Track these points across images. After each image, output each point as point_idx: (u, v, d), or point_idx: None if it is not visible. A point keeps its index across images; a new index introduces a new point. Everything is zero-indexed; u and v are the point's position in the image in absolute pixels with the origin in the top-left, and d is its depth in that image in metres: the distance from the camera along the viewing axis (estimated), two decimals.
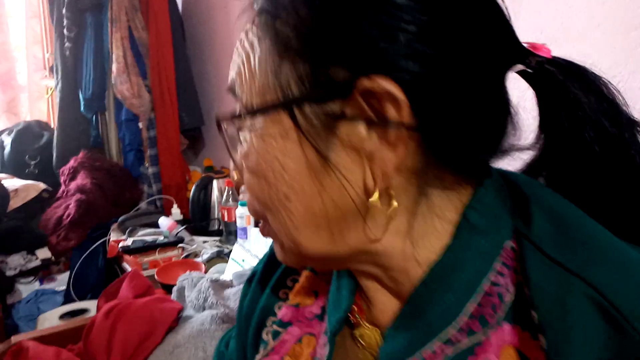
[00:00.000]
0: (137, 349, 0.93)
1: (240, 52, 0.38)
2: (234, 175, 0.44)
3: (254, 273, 0.56)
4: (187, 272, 1.23)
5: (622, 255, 0.35)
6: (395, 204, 0.36)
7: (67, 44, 2.25)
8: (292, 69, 0.35)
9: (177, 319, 1.02)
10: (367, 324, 0.44)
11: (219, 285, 1.10)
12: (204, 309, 1.03)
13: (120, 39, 2.15)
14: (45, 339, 0.99)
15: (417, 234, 0.38)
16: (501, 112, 0.37)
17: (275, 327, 0.49)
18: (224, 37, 2.19)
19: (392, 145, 0.34)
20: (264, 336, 0.50)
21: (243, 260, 1.38)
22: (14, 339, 1.00)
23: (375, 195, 0.35)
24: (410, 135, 0.34)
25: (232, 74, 0.40)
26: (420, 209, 0.37)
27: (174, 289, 1.17)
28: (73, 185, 2.06)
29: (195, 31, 2.39)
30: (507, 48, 0.37)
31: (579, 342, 0.31)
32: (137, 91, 2.12)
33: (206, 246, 1.79)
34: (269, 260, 0.54)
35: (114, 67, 2.12)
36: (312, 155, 0.35)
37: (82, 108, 2.28)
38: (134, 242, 1.74)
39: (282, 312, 0.49)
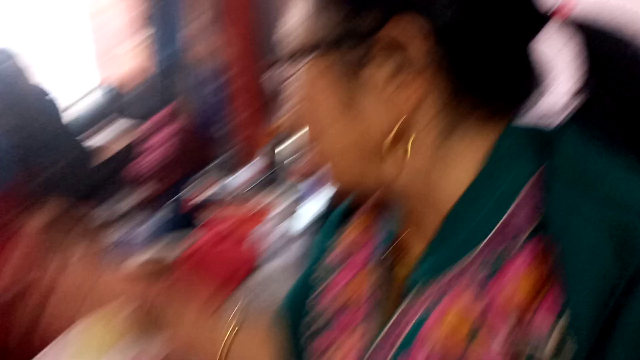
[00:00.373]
0: (218, 290, 0.99)
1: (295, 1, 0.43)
2: (281, 119, 0.48)
3: (320, 220, 0.61)
4: (262, 222, 1.28)
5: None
6: (411, 140, 0.39)
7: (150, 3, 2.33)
8: (328, 16, 0.39)
9: (253, 265, 1.06)
10: (405, 261, 0.47)
11: (290, 235, 1.13)
12: (278, 255, 1.07)
13: None
14: None
15: (446, 167, 0.41)
16: (528, 53, 0.39)
17: (330, 267, 0.54)
18: None
19: (414, 84, 0.37)
20: (318, 278, 0.55)
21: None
22: None
23: (392, 133, 0.39)
24: (434, 75, 0.37)
25: (283, 24, 0.44)
26: (449, 144, 0.40)
27: (251, 237, 1.22)
28: (156, 139, 2.18)
29: None
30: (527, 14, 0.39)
31: (585, 257, 0.33)
32: (214, 50, 2.17)
33: (279, 199, 1.82)
34: (329, 207, 0.63)
35: (192, 26, 2.17)
36: (342, 94, 0.40)
37: (161, 66, 2.37)
38: (209, 196, 1.82)
39: (336, 253, 0.54)
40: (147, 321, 0.64)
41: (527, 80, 0.41)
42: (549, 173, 0.37)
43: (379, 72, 0.38)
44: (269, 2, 2.38)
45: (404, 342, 0.43)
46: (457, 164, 0.41)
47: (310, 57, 0.41)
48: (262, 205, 1.80)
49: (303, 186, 1.68)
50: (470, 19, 0.37)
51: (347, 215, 0.57)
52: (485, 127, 0.40)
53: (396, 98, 0.38)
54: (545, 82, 0.41)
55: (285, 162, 1.98)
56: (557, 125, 0.41)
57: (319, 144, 0.44)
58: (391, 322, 0.46)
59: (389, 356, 0.44)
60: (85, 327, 1.03)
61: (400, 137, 0.39)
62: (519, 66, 0.40)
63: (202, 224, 1.60)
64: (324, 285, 0.54)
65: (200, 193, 1.90)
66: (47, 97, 2.16)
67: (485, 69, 0.38)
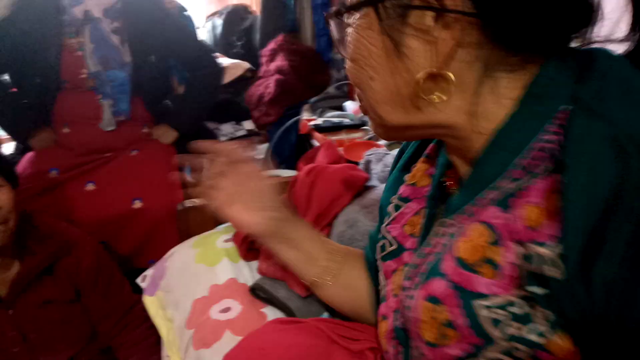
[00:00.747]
0: (330, 204, 1.07)
1: None
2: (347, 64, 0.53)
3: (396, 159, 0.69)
4: (373, 148, 1.32)
5: None
6: (452, 87, 0.43)
7: None
8: None
9: (363, 186, 1.12)
10: (455, 191, 0.52)
11: None
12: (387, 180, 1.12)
13: None
14: None
15: (481, 109, 0.44)
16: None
17: (397, 201, 0.60)
18: None
19: (450, 29, 0.41)
20: (389, 209, 0.61)
21: None
22: None
23: (421, 74, 0.43)
24: (468, 21, 0.41)
25: None
26: (484, 88, 0.44)
27: (361, 161, 1.27)
28: (272, 66, 2.27)
29: None
30: None
31: (590, 172, 0.35)
32: None
33: None
34: (400, 151, 0.67)
35: None
36: (389, 42, 0.44)
37: None
38: (323, 121, 1.89)
39: (402, 189, 0.60)
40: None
41: (572, 22, 0.42)
42: (577, 104, 0.39)
43: (426, 15, 0.42)
44: None
45: (431, 269, 0.49)
46: (496, 100, 0.44)
47: (365, 8, 0.45)
48: (372, 133, 1.85)
49: None
50: None
51: (413, 150, 0.63)
52: (525, 66, 0.43)
53: (438, 39, 0.42)
54: (590, 23, 0.42)
55: None
56: (608, 51, 0.42)
57: (367, 95, 0.48)
58: (420, 250, 0.52)
59: (418, 282, 0.50)
60: (208, 235, 1.18)
61: (443, 76, 0.43)
62: (560, 7, 0.41)
63: (318, 145, 1.69)
64: (394, 215, 0.60)
65: (317, 116, 1.98)
66: (184, 14, 2.32)
67: (522, 16, 0.40)
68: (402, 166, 0.64)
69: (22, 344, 1.14)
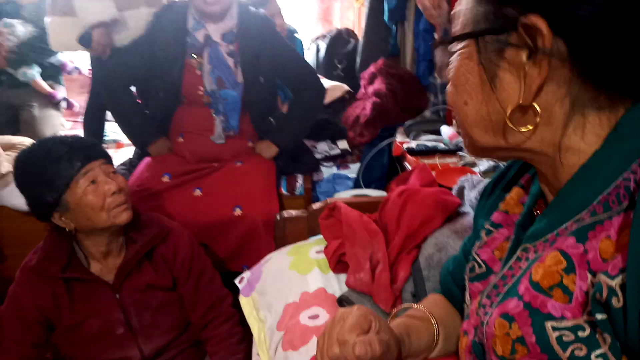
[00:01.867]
0: (420, 227, 1.10)
1: None
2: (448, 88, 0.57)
3: (487, 185, 0.71)
4: (467, 174, 1.32)
5: None
6: (537, 119, 0.47)
7: None
8: (481, 9, 0.48)
9: (455, 211, 1.13)
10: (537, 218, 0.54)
11: None
12: None
13: None
14: (350, 205, 1.24)
15: (568, 143, 0.48)
16: None
17: (489, 227, 0.64)
18: None
19: (541, 66, 0.45)
20: (481, 233, 0.65)
21: None
22: (330, 200, 1.29)
23: (510, 108, 0.48)
24: (559, 59, 0.45)
25: (455, 7, 0.53)
26: (572, 123, 0.47)
27: (455, 187, 1.28)
28: (371, 89, 2.34)
29: None
30: None
31: None
32: (438, 2, 2.19)
33: (483, 159, 1.84)
34: (495, 179, 0.69)
35: None
36: (484, 73, 0.49)
37: (385, 17, 2.49)
38: (417, 145, 1.92)
39: (495, 216, 0.63)
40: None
41: None
42: None
43: (521, 53, 0.46)
44: None
45: (509, 290, 0.52)
46: (583, 136, 0.47)
47: (467, 41, 0.50)
48: (468, 159, 1.83)
49: None
50: (599, 20, 0.43)
51: (508, 180, 0.66)
52: (612, 106, 0.46)
53: (530, 74, 0.46)
54: None
55: None
56: None
57: (465, 117, 0.53)
58: (502, 272, 0.56)
59: (496, 302, 0.54)
60: (302, 245, 1.25)
61: (531, 108, 0.47)
62: None
63: (410, 167, 1.72)
64: (486, 239, 0.63)
65: (412, 139, 2.00)
66: (294, 35, 2.47)
67: (613, 62, 0.43)
68: (497, 194, 0.67)
69: (126, 327, 1.27)
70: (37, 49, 2.39)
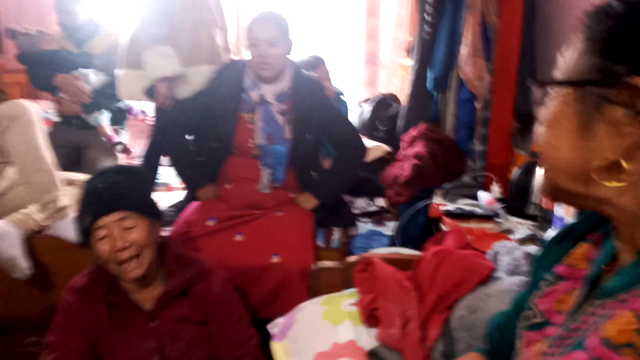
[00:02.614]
0: (453, 288, 1.13)
1: (572, 43, 0.55)
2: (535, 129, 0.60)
3: (548, 242, 0.72)
4: (503, 240, 1.36)
5: None
6: (625, 176, 0.48)
7: (426, 29, 2.59)
8: (589, 61, 0.50)
9: (488, 276, 1.16)
10: (611, 272, 0.56)
11: (532, 259, 1.19)
12: (514, 274, 1.15)
13: (472, 24, 2.34)
14: (385, 261, 1.29)
15: None
16: None
17: (550, 278, 0.64)
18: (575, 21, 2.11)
19: (635, 127, 0.47)
20: (541, 284, 0.65)
21: None
22: (365, 254, 1.35)
23: (598, 161, 0.49)
24: None
25: (560, 58, 0.56)
26: None
27: (489, 252, 1.31)
28: (411, 150, 2.42)
29: (548, 14, 2.38)
30: None
31: None
32: (480, 73, 2.29)
33: (519, 227, 1.86)
34: (561, 234, 0.70)
35: (463, 50, 2.34)
36: (580, 122, 0.50)
37: (428, 85, 2.60)
38: (454, 208, 1.95)
39: (559, 269, 0.64)
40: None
41: None
42: None
43: (619, 111, 0.48)
44: (541, 32, 2.38)
45: (577, 343, 0.52)
46: None
47: (568, 87, 0.53)
48: (504, 226, 1.86)
49: (552, 214, 1.67)
50: None
51: (575, 235, 0.67)
52: None
53: (625, 133, 0.48)
54: None
55: (529, 188, 1.98)
56: None
57: (551, 160, 0.55)
58: (568, 324, 0.56)
59: (558, 353, 0.54)
60: (336, 296, 1.30)
61: (620, 166, 0.49)
62: None
63: (446, 229, 1.75)
64: (546, 290, 0.64)
65: (449, 202, 2.04)
66: (341, 97, 2.61)
67: None
68: (562, 248, 0.68)
69: (159, 355, 1.32)
70: (107, 95, 2.61)
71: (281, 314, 1.44)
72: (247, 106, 1.94)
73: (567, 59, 0.54)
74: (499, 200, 2.03)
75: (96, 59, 2.65)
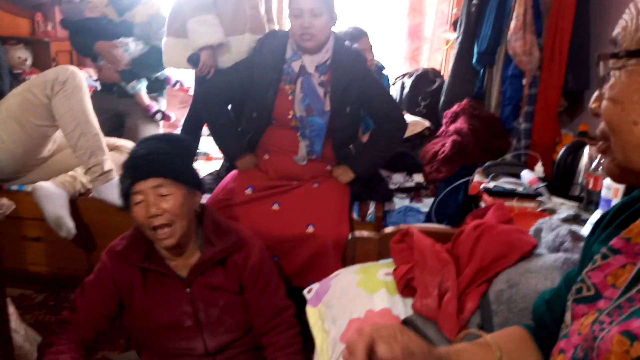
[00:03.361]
0: (492, 262, 1.11)
1: (631, 11, 0.52)
2: (592, 104, 0.57)
3: (604, 215, 0.70)
4: (546, 217, 1.32)
5: None
6: None
7: (474, 2, 2.50)
8: None
9: (529, 252, 1.13)
10: None
11: (576, 236, 1.15)
12: (557, 251, 1.12)
13: None
14: (423, 233, 1.27)
15: None
16: None
17: (606, 251, 0.62)
18: None
19: None
20: (595, 257, 0.63)
21: None
22: (402, 225, 1.34)
23: None
24: None
25: (617, 28, 0.53)
26: None
27: (532, 228, 1.28)
28: (452, 127, 2.37)
29: None
30: None
31: None
32: (529, 49, 2.20)
33: (562, 207, 1.80)
34: (618, 207, 0.68)
35: (512, 24, 2.25)
36: None
37: (474, 61, 2.53)
38: (494, 186, 1.91)
39: (615, 241, 0.61)
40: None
41: None
42: None
43: None
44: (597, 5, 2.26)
45: (635, 311, 0.52)
46: None
47: (636, 59, 0.50)
48: (546, 206, 1.80)
49: (599, 195, 1.61)
50: None
51: (635, 209, 0.64)
52: None
53: None
54: None
55: (575, 169, 1.91)
56: None
57: (623, 138, 0.52)
58: (626, 296, 0.55)
59: (617, 320, 0.53)
60: (371, 265, 1.29)
61: None
62: None
63: (486, 206, 1.72)
64: (600, 263, 0.62)
65: (489, 180, 2.00)
66: (382, 72, 2.57)
67: None
68: (620, 222, 0.67)
69: (193, 320, 1.36)
70: (146, 65, 2.64)
71: (315, 282, 1.45)
72: (287, 77, 1.94)
73: (632, 28, 0.51)
74: (542, 180, 1.97)
75: (137, 28, 2.67)
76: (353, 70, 1.94)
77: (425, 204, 2.23)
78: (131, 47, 2.65)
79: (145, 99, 2.75)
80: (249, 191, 1.92)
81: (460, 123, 2.34)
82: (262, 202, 1.89)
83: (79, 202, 2.17)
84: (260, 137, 2.01)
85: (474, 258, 1.12)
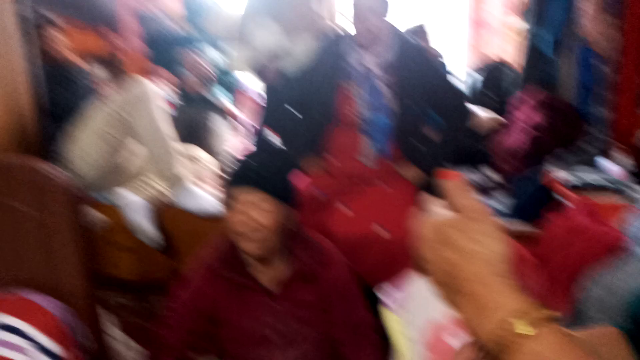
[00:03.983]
0: (582, 262, 1.05)
1: None
2: None
3: None
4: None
5: None
6: None
7: None
8: None
9: (625, 254, 1.07)
10: None
11: None
12: None
13: None
14: None
15: None
16: None
17: None
18: None
19: None
20: None
21: None
22: None
23: None
24: None
25: None
26: None
27: (622, 224, 1.20)
28: (525, 119, 2.27)
29: None
30: None
31: None
32: (607, 31, 2.06)
33: None
34: None
35: (587, 6, 2.12)
36: None
37: (544, 48, 2.40)
38: (575, 179, 1.81)
39: None
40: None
41: None
42: None
43: None
44: None
45: None
46: None
47: None
48: (630, 199, 1.68)
49: None
50: None
51: None
52: None
53: None
54: None
55: None
56: None
57: None
58: None
59: None
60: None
61: None
62: None
63: (567, 201, 1.63)
64: None
65: (567, 171, 1.90)
66: (439, 60, 2.52)
67: None
68: None
69: (276, 331, 1.38)
70: (224, 73, 2.74)
71: (389, 283, 1.44)
72: (349, 76, 1.93)
73: None
74: (633, 173, 1.84)
75: (214, 37, 2.79)
76: (415, 65, 1.91)
77: (500, 200, 2.15)
78: (211, 56, 2.76)
79: (226, 104, 2.86)
80: (317, 194, 1.93)
81: (536, 116, 2.24)
82: (331, 205, 1.90)
83: (159, 209, 2.28)
84: (325, 139, 2.03)
85: (561, 258, 1.07)
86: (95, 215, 1.74)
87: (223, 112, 2.88)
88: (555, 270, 1.04)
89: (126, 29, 3.61)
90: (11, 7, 2.02)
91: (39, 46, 2.39)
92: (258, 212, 1.29)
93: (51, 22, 2.53)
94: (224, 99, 2.87)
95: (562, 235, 1.07)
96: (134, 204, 2.14)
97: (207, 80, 2.78)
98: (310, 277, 1.39)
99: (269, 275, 1.40)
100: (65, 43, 2.51)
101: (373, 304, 1.44)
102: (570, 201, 1.27)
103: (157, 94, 2.16)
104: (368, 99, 1.91)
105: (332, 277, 1.40)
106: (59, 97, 2.32)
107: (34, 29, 2.28)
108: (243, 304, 1.38)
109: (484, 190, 2.23)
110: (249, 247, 1.30)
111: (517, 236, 1.28)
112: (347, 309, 1.42)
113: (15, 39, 2.06)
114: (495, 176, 2.24)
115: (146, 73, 3.63)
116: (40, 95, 2.24)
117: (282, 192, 1.34)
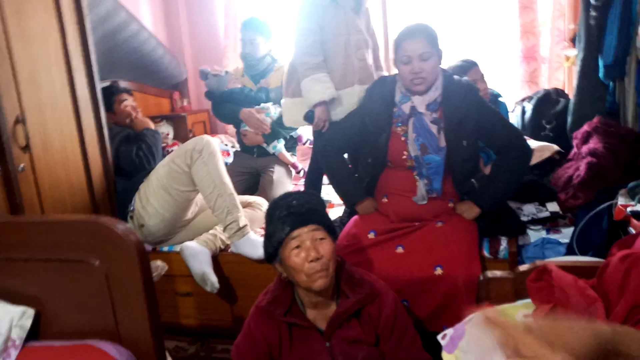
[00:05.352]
0: None
1: None
2: None
3: None
4: None
5: None
6: None
7: (592, 14, 2.33)
8: None
9: None
10: None
11: None
12: None
13: None
14: (563, 268, 1.18)
15: None
16: None
17: None
18: None
19: None
20: None
21: None
22: (538, 262, 1.25)
23: None
24: None
25: None
26: None
27: None
28: (585, 148, 2.18)
29: None
30: None
31: None
32: None
33: None
34: None
35: None
36: None
37: (600, 75, 2.33)
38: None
39: None
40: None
41: None
42: None
43: None
44: None
45: None
46: None
47: None
48: None
49: None
50: None
51: None
52: None
53: None
54: None
55: None
56: None
57: None
58: None
59: None
60: (508, 307, 1.22)
61: None
62: None
63: (636, 232, 1.54)
64: None
65: (637, 202, 1.80)
66: (499, 100, 2.50)
67: None
68: None
69: None
70: (282, 126, 2.86)
71: (449, 326, 1.40)
72: (399, 119, 1.96)
73: None
74: None
75: (273, 93, 2.95)
76: (465, 102, 1.91)
77: (565, 235, 2.05)
78: (271, 111, 2.90)
79: (288, 157, 2.98)
80: (371, 235, 1.94)
81: (593, 143, 2.15)
82: (386, 246, 1.89)
83: (220, 257, 2.37)
84: (377, 180, 2.05)
85: (626, 293, 1.01)
86: (156, 263, 1.84)
87: (283, 162, 2.98)
88: (617, 305, 0.98)
89: (187, 93, 3.88)
90: (84, 80, 2.27)
91: (113, 110, 2.64)
92: (314, 241, 1.34)
93: (122, 90, 2.78)
94: (283, 150, 2.98)
95: (622, 267, 1.01)
96: (194, 251, 2.24)
97: (267, 134, 2.92)
98: (358, 313, 1.40)
99: (319, 315, 1.42)
100: (135, 106, 2.73)
101: (432, 349, 1.41)
102: (637, 233, 1.20)
103: (215, 149, 2.28)
104: (418, 139, 1.92)
105: (379, 312, 1.39)
106: (130, 156, 2.51)
107: (107, 97, 2.53)
108: (299, 345, 1.41)
109: (548, 224, 2.13)
110: (317, 281, 1.33)
111: (581, 270, 1.23)
112: (399, 345, 1.40)
113: (89, 106, 2.29)
114: (559, 209, 2.15)
115: (208, 129, 3.86)
116: (112, 156, 2.44)
117: (329, 224, 1.40)
